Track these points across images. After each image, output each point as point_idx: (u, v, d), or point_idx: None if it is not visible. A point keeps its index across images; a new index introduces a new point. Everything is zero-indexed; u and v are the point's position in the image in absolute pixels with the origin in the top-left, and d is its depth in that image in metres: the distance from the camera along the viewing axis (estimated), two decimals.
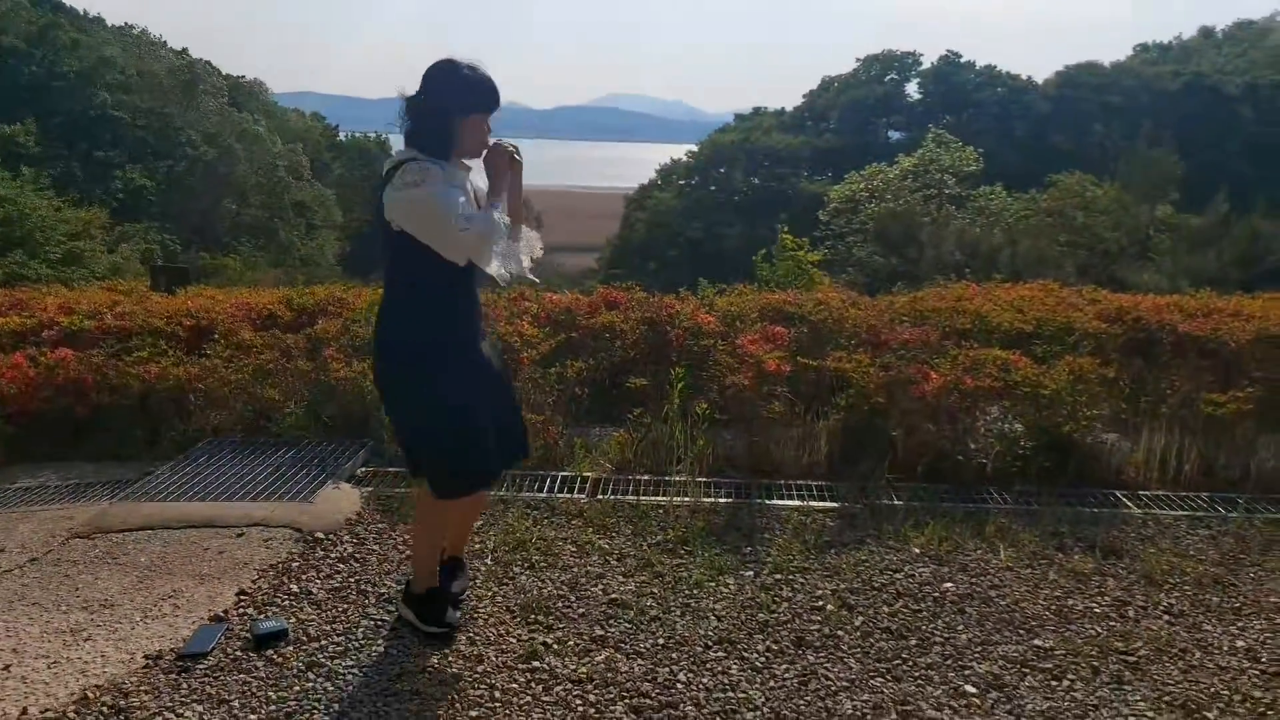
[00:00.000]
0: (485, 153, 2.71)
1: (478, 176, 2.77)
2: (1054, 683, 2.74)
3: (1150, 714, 2.61)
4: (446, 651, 2.82)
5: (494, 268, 2.61)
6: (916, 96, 54.38)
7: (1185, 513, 4.04)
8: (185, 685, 2.63)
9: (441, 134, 2.60)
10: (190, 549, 3.48)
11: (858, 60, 56.31)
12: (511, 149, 2.71)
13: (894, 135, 49.49)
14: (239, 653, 2.79)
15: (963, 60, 53.96)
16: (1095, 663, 2.84)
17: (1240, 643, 2.99)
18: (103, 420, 4.71)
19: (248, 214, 38.40)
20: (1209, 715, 2.60)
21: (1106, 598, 3.26)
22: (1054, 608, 3.18)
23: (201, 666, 2.71)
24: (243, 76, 47.46)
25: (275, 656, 2.77)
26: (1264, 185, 21.90)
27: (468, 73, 2.61)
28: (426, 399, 2.68)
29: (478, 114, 2.64)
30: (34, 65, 36.62)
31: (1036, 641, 2.96)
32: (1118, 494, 4.20)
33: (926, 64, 54.77)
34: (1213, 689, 2.72)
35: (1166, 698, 2.68)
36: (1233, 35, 59.72)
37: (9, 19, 37.67)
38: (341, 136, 56.53)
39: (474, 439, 2.75)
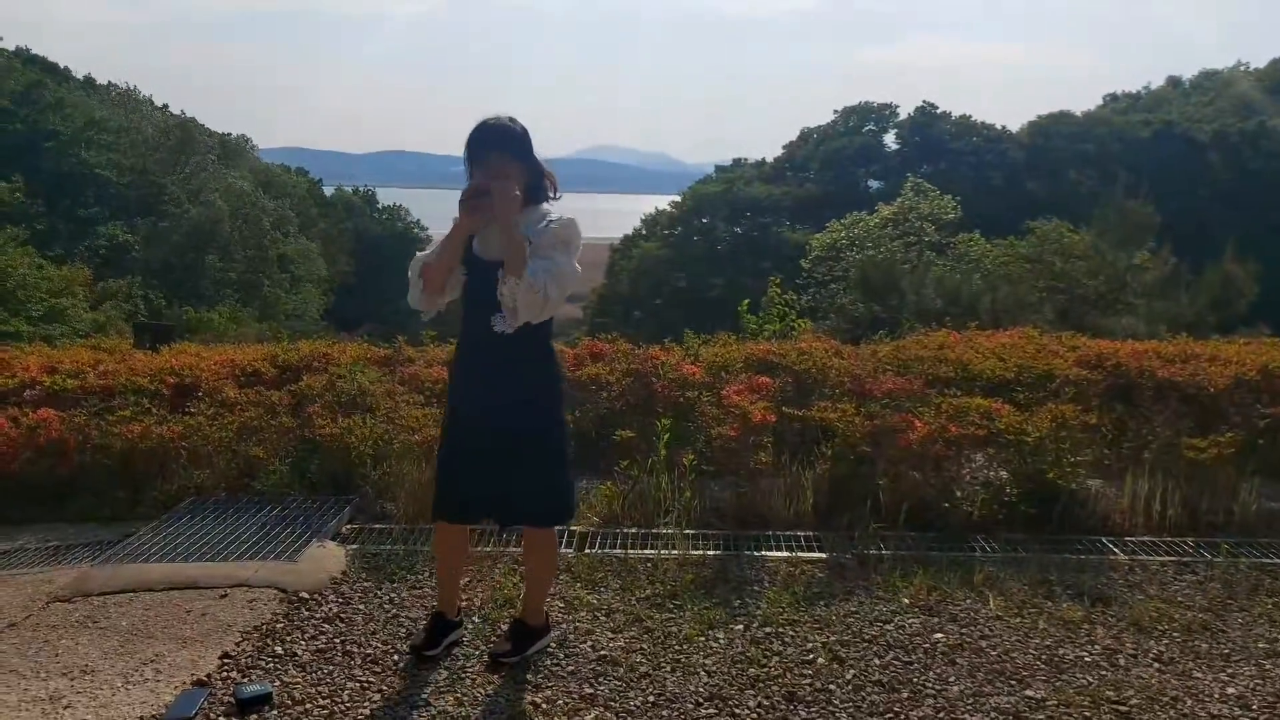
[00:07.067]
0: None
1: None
2: None
3: None
4: (434, 713, 2.78)
5: (413, 301, 2.96)
6: (894, 147, 55.24)
7: (1171, 558, 4.06)
8: None
9: None
10: (173, 611, 3.43)
11: (835, 112, 57.28)
12: (498, 186, 2.78)
13: (873, 184, 50.13)
14: (222, 718, 2.74)
15: (938, 111, 55.00)
16: (1087, 713, 2.83)
17: (1231, 690, 2.98)
18: (84, 481, 4.66)
19: (232, 269, 38.39)
20: None
21: (1096, 646, 3.26)
22: (1045, 657, 3.17)
23: None
24: (229, 134, 47.77)
25: None
26: (1234, 229, 22.32)
27: (472, 130, 2.87)
28: None
29: (474, 165, 2.86)
30: (18, 124, 36.77)
31: (1028, 692, 2.95)
32: (1104, 540, 4.22)
33: (903, 115, 55.78)
34: None
35: None
36: (1199, 85, 61.17)
37: None
38: (328, 191, 56.88)
39: (439, 463, 3.08)
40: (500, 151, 2.81)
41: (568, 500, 3.07)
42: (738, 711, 2.81)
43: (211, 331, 22.90)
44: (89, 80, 46.76)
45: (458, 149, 2.97)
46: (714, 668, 3.07)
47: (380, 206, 58.41)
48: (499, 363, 2.89)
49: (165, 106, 45.88)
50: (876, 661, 3.13)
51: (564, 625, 3.34)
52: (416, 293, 2.92)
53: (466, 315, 2.94)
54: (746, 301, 10.65)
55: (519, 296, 2.74)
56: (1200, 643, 3.30)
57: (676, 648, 3.20)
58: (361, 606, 3.50)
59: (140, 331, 8.27)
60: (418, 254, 2.97)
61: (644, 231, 51.57)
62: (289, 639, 3.23)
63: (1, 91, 37.53)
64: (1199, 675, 3.07)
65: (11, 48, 42.70)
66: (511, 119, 2.87)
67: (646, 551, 4.02)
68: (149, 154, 38.82)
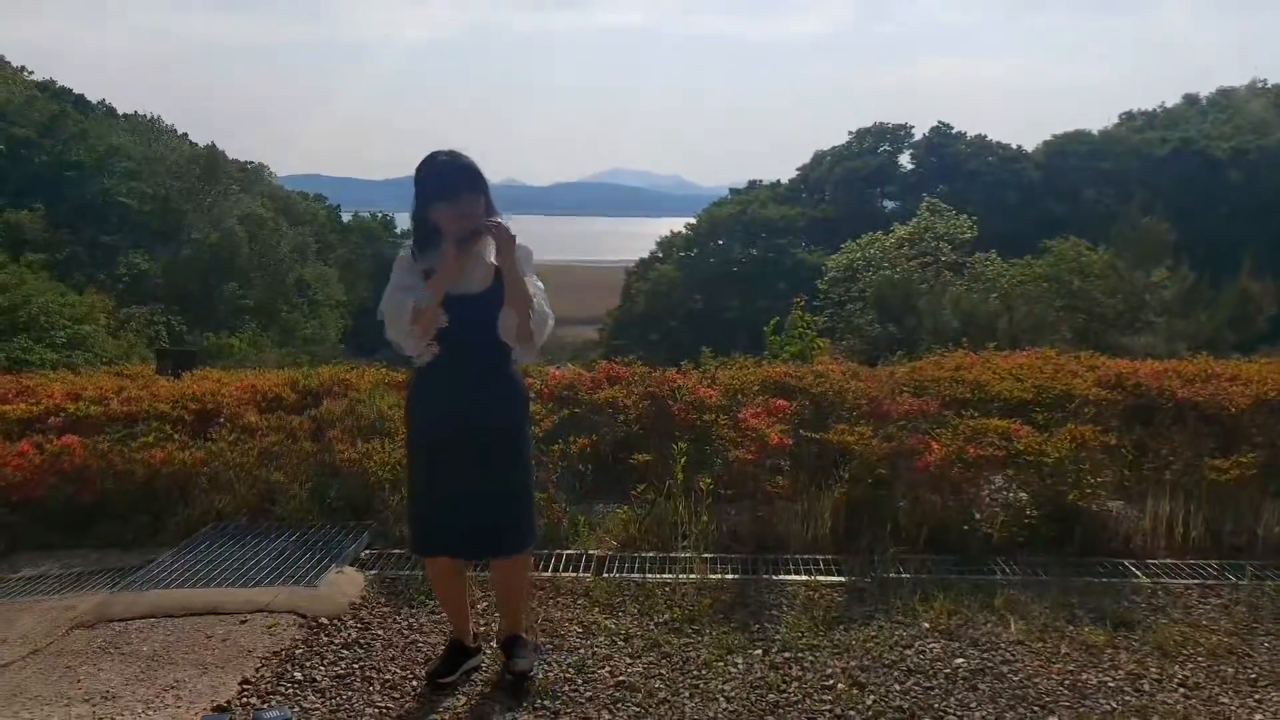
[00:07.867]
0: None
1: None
2: None
3: None
4: None
5: (408, 348, 2.93)
6: (909, 167, 55.31)
7: (1195, 581, 4.01)
8: None
9: (417, 227, 2.95)
10: (193, 637, 3.45)
11: (850, 133, 57.42)
12: (492, 227, 2.86)
13: (888, 205, 50.14)
14: None
15: (953, 131, 55.03)
16: None
17: (1259, 716, 2.94)
18: (107, 507, 4.70)
19: (250, 295, 38.79)
20: None
21: (1120, 671, 3.22)
22: (1067, 682, 3.14)
23: None
24: (250, 162, 48.46)
25: None
26: (1252, 246, 22.13)
27: (427, 165, 2.90)
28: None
29: (439, 203, 2.88)
30: (43, 155, 37.47)
31: (1051, 718, 2.92)
32: (1126, 563, 4.18)
33: (918, 135, 55.85)
34: None
35: None
36: (1216, 102, 60.87)
37: (22, 110, 38.69)
38: (346, 217, 57.49)
39: (412, 499, 3.12)
40: (471, 190, 2.88)
41: (531, 524, 3.14)
42: None
43: (232, 357, 23.13)
44: (110, 109, 47.61)
45: None
46: (733, 693, 3.06)
47: (398, 231, 58.93)
48: (479, 382, 2.97)
49: (185, 135, 46.68)
50: (897, 687, 3.11)
51: (581, 650, 3.34)
52: (412, 341, 2.91)
53: (444, 346, 2.94)
54: (775, 320, 10.70)
55: (533, 327, 2.91)
56: (1226, 667, 3.26)
57: (695, 673, 3.19)
58: (380, 632, 3.51)
59: (162, 358, 8.35)
60: (394, 300, 2.90)
61: (659, 254, 51.72)
62: (308, 664, 3.24)
63: (27, 122, 38.29)
64: (1225, 700, 3.03)
65: (39, 79, 43.63)
66: (461, 153, 2.91)
67: (664, 576, 4.02)
68: (171, 182, 39.40)
